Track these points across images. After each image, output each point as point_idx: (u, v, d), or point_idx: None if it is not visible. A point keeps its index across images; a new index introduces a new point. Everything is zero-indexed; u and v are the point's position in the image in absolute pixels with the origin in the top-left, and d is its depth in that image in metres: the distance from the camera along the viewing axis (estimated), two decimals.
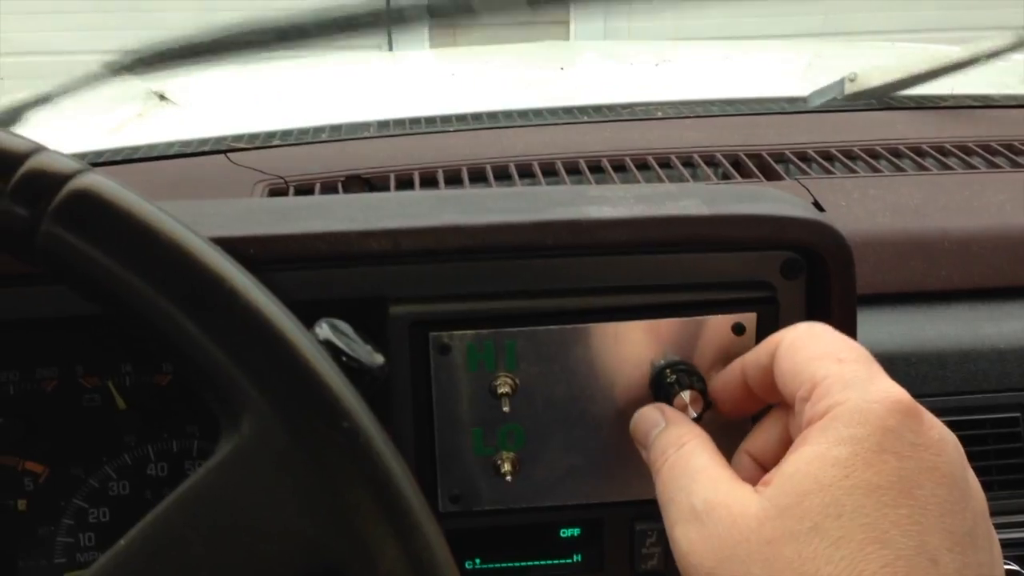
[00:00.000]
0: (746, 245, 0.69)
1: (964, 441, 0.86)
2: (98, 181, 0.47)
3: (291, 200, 1.00)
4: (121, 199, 0.47)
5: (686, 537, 0.54)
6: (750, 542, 0.51)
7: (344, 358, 0.51)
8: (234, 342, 0.46)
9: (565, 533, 0.74)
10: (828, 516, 0.49)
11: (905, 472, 0.49)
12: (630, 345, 0.69)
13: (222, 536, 0.45)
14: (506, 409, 0.68)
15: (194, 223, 0.49)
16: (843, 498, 0.49)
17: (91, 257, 0.46)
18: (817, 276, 0.70)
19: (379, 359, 0.53)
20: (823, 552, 0.48)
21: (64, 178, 0.47)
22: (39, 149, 0.48)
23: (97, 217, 0.47)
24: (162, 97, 1.39)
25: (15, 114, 1.29)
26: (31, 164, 0.47)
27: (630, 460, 0.70)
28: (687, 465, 0.57)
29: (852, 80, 1.26)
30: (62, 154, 0.48)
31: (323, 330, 0.52)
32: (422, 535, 0.45)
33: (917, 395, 0.87)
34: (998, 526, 0.84)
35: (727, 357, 0.69)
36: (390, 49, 4.07)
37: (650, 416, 0.64)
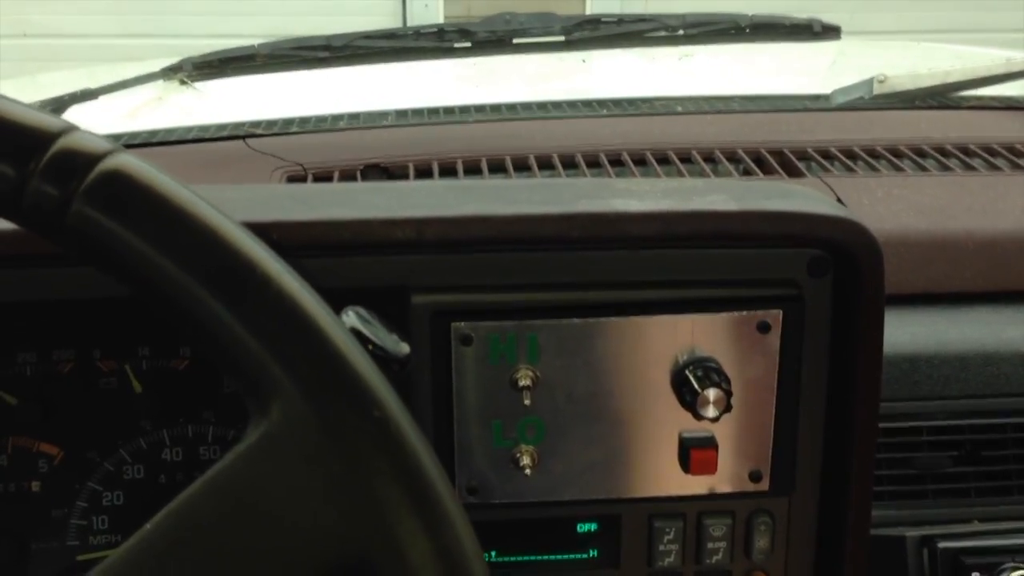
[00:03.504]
0: (774, 242, 0.68)
1: (984, 445, 0.87)
2: (130, 162, 0.47)
3: (313, 187, 1.00)
4: (153, 180, 0.46)
5: None
6: None
7: (370, 346, 0.51)
8: (266, 328, 0.45)
9: (582, 528, 0.73)
10: None
11: None
12: (653, 340, 0.68)
13: (249, 524, 0.45)
14: (527, 402, 0.67)
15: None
16: None
17: (122, 238, 0.46)
18: (842, 275, 0.69)
19: (405, 348, 0.53)
20: None
21: (96, 158, 0.46)
22: (70, 128, 0.47)
23: (129, 198, 0.46)
24: (182, 81, 1.38)
25: (61, 106, 1.29)
26: (62, 143, 0.46)
27: (649, 456, 0.70)
28: None
29: (882, 81, 1.23)
30: (94, 134, 0.48)
31: (350, 318, 0.52)
32: (451, 527, 0.45)
33: (939, 397, 0.88)
34: (1017, 531, 0.84)
35: (752, 355, 0.68)
36: (404, 23, 4.07)
37: None
